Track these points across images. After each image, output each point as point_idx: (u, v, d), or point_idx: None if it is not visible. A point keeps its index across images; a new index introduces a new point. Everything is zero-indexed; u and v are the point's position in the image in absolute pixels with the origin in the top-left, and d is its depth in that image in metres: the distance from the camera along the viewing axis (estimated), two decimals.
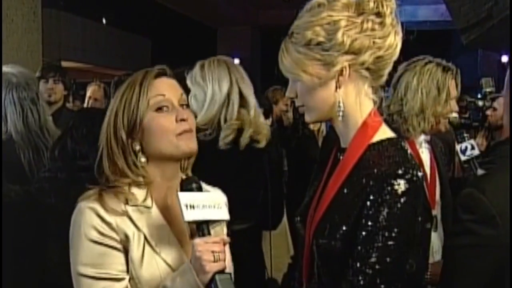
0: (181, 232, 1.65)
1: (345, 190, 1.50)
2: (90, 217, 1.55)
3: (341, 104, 1.52)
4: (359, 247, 1.42)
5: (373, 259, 1.40)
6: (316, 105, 1.55)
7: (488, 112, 4.78)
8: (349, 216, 1.46)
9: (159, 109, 1.62)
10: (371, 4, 1.50)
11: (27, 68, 3.24)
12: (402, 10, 1.57)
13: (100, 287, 1.55)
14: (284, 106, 5.74)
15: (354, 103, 1.54)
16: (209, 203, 1.55)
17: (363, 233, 1.42)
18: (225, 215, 1.59)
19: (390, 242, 1.41)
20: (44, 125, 2.92)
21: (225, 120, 2.60)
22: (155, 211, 1.63)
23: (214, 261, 1.48)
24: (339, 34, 1.47)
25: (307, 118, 1.60)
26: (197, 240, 1.50)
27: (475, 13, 6.47)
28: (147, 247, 1.58)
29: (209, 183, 1.76)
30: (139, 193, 1.62)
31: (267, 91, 5.95)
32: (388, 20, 1.51)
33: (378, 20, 1.50)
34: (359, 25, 1.48)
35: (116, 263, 1.56)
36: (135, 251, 1.57)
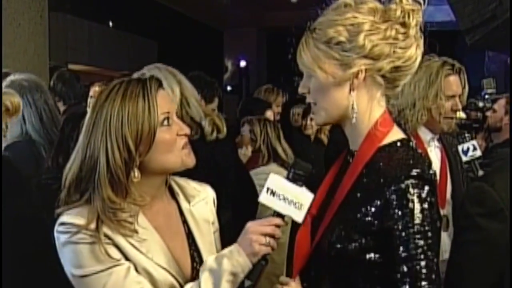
0: (169, 237, 1.65)
1: (358, 194, 1.49)
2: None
3: (355, 107, 1.52)
4: (401, 250, 1.40)
5: (422, 262, 1.38)
6: (327, 105, 1.54)
7: (488, 113, 4.71)
8: (366, 220, 1.45)
9: (162, 124, 1.60)
10: (398, 13, 1.50)
11: (34, 71, 3.36)
12: None
13: (105, 275, 1.50)
14: (276, 108, 5.22)
15: (365, 108, 1.54)
16: (292, 198, 1.53)
17: (400, 236, 1.40)
18: (299, 217, 1.54)
19: (430, 242, 1.39)
20: (57, 123, 3.15)
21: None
22: (141, 219, 1.61)
23: (264, 245, 1.51)
24: (361, 37, 1.47)
25: (317, 120, 1.59)
26: (250, 223, 1.55)
27: (479, 13, 6.46)
28: (140, 255, 1.56)
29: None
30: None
31: (259, 91, 5.41)
32: (412, 32, 1.51)
33: (402, 30, 1.50)
34: (382, 32, 1.49)
35: (109, 252, 1.52)
36: (130, 256, 1.55)
